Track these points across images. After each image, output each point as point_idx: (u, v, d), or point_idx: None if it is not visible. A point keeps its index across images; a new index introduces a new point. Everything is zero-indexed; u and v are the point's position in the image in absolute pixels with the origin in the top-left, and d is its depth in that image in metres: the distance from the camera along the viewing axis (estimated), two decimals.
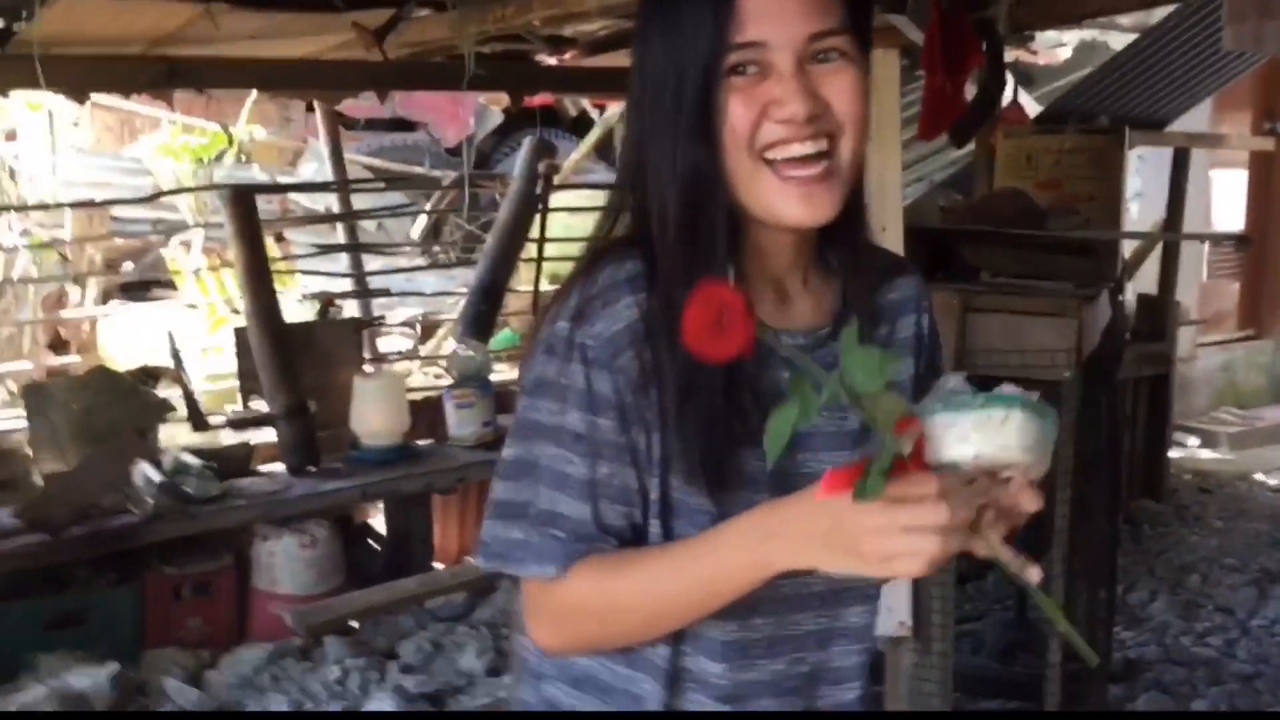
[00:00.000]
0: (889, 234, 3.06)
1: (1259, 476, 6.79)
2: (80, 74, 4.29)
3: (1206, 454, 7.22)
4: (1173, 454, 6.52)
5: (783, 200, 1.21)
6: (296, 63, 4.63)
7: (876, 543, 1.03)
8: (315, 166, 8.50)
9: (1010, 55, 5.39)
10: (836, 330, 1.28)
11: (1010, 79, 4.86)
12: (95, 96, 5.06)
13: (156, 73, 4.38)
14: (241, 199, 4.85)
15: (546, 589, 1.19)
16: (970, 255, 3.31)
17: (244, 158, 8.10)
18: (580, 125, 9.34)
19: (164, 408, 4.82)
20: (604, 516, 1.20)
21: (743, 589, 1.14)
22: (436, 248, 7.98)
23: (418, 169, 9.26)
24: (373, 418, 4.87)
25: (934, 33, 4.27)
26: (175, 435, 4.97)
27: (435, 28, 4.52)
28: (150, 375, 5.64)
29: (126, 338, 6.92)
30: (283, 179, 8.35)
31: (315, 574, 4.56)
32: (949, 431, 1.04)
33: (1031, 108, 6.92)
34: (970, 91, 4.59)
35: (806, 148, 1.20)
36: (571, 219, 6.63)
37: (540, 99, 7.38)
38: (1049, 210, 3.50)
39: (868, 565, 1.04)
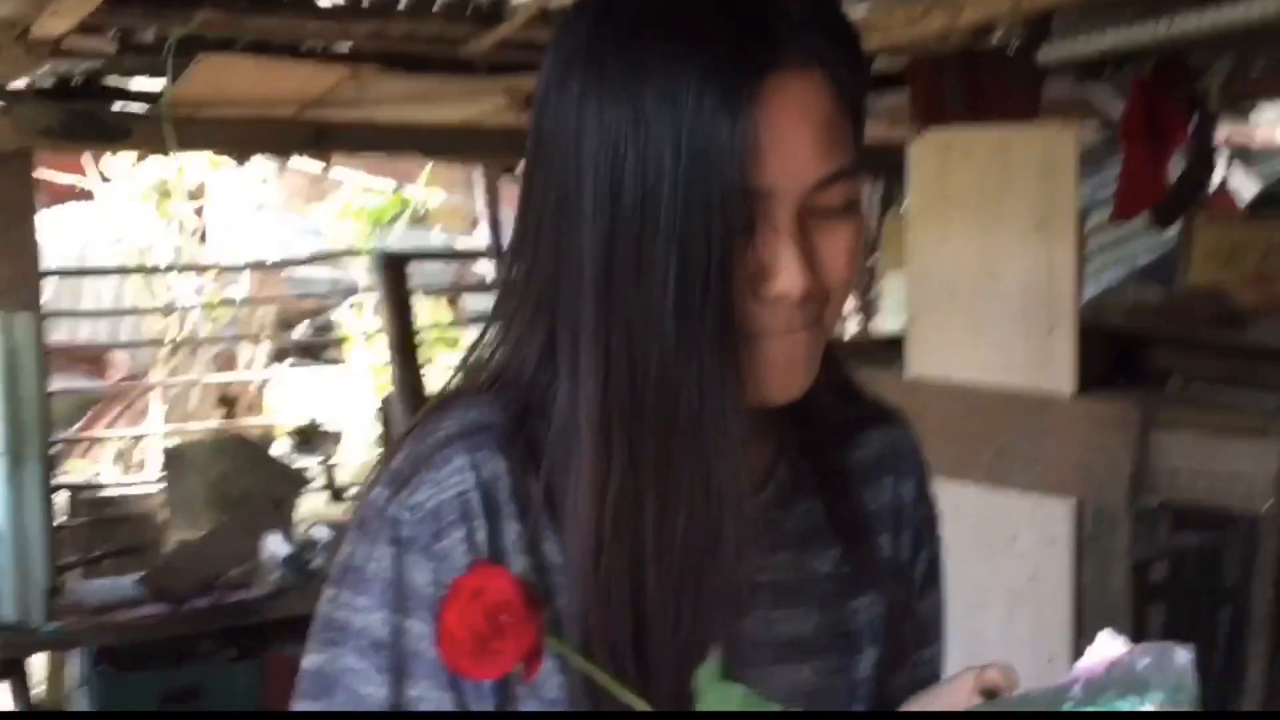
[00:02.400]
0: (1059, 334, 2.69)
1: None
2: (229, 135, 4.23)
3: None
4: None
5: (758, 377, 0.89)
6: (450, 128, 4.49)
7: None
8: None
9: (1223, 132, 4.91)
10: (779, 496, 0.99)
11: (1222, 158, 4.40)
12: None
13: (306, 135, 4.29)
14: (391, 265, 4.73)
15: None
16: (1157, 358, 2.89)
17: (422, 220, 8.08)
18: None
19: (300, 479, 4.69)
20: None
21: None
22: None
23: None
24: None
25: (1135, 104, 3.88)
26: (316, 506, 4.85)
27: None
28: (306, 438, 5.57)
29: (293, 399, 6.92)
30: (462, 242, 8.30)
31: None
32: None
33: (1247, 189, 6.35)
34: (1177, 168, 4.16)
35: (795, 328, 0.89)
36: None
37: None
38: (1253, 312, 3.06)
39: None
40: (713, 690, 0.72)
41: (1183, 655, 0.71)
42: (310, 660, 0.92)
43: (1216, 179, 4.72)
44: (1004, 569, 2.72)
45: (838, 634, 0.99)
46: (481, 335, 0.97)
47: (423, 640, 0.88)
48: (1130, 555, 2.68)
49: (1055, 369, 2.68)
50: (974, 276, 2.77)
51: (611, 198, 0.84)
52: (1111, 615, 2.74)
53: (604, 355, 0.86)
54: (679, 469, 0.85)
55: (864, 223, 0.93)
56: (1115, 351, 2.97)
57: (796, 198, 0.86)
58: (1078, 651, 2.85)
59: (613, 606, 0.86)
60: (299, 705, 0.93)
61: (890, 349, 3.11)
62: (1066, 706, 0.70)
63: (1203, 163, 4.14)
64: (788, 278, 0.85)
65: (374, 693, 0.89)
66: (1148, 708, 0.69)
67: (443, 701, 0.88)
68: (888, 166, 4.45)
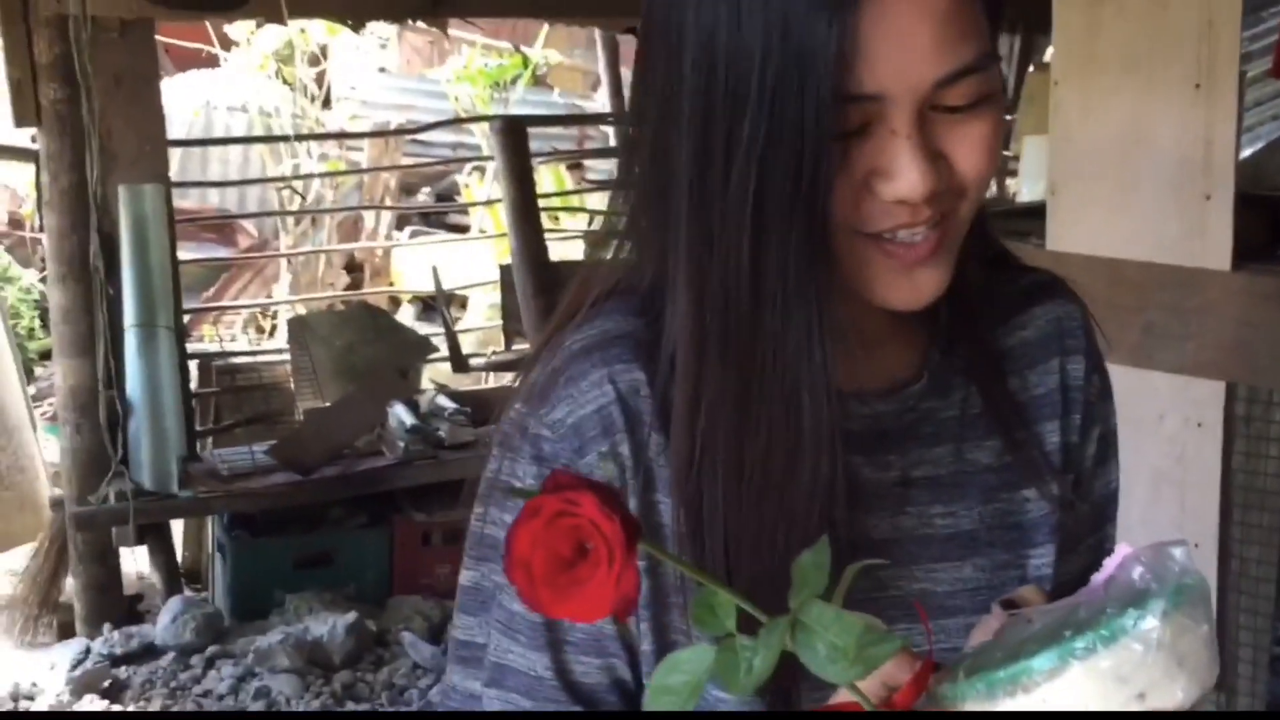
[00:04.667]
0: (1215, 203, 2.51)
1: None
2: (346, 1, 4.15)
3: None
4: None
5: (879, 281, 0.83)
6: None
7: None
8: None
9: None
10: (934, 385, 0.93)
11: None
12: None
13: (421, 0, 4.20)
14: (510, 131, 4.65)
15: None
16: None
17: (542, 81, 7.96)
18: None
19: (425, 347, 4.71)
20: (570, 671, 0.89)
21: None
22: None
23: None
24: None
25: None
26: (439, 375, 4.87)
27: None
28: (430, 306, 5.58)
29: (419, 264, 6.94)
30: (582, 105, 8.18)
31: None
32: (1075, 695, 0.65)
33: None
34: None
35: (918, 231, 0.81)
36: None
37: None
38: None
39: None
40: (814, 614, 0.64)
41: (1178, 553, 0.67)
42: (465, 576, 0.93)
43: None
44: (1149, 449, 2.60)
45: (1007, 527, 0.94)
46: (603, 234, 0.93)
47: None
48: None
49: (1211, 241, 2.51)
50: (1124, 142, 2.59)
51: (705, 98, 0.78)
52: (1261, 497, 2.62)
53: (695, 269, 0.81)
54: (764, 388, 0.81)
55: (1001, 112, 0.84)
56: (1273, 220, 2.78)
57: (914, 100, 0.78)
58: (1225, 536, 2.69)
59: (704, 522, 0.83)
60: (458, 619, 0.94)
61: (1028, 219, 2.96)
62: (1068, 633, 0.66)
63: None
64: (906, 183, 0.79)
65: (524, 608, 0.88)
66: (1150, 619, 0.64)
67: None
68: (1028, 17, 4.21)
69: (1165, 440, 2.58)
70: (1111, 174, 2.63)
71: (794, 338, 0.80)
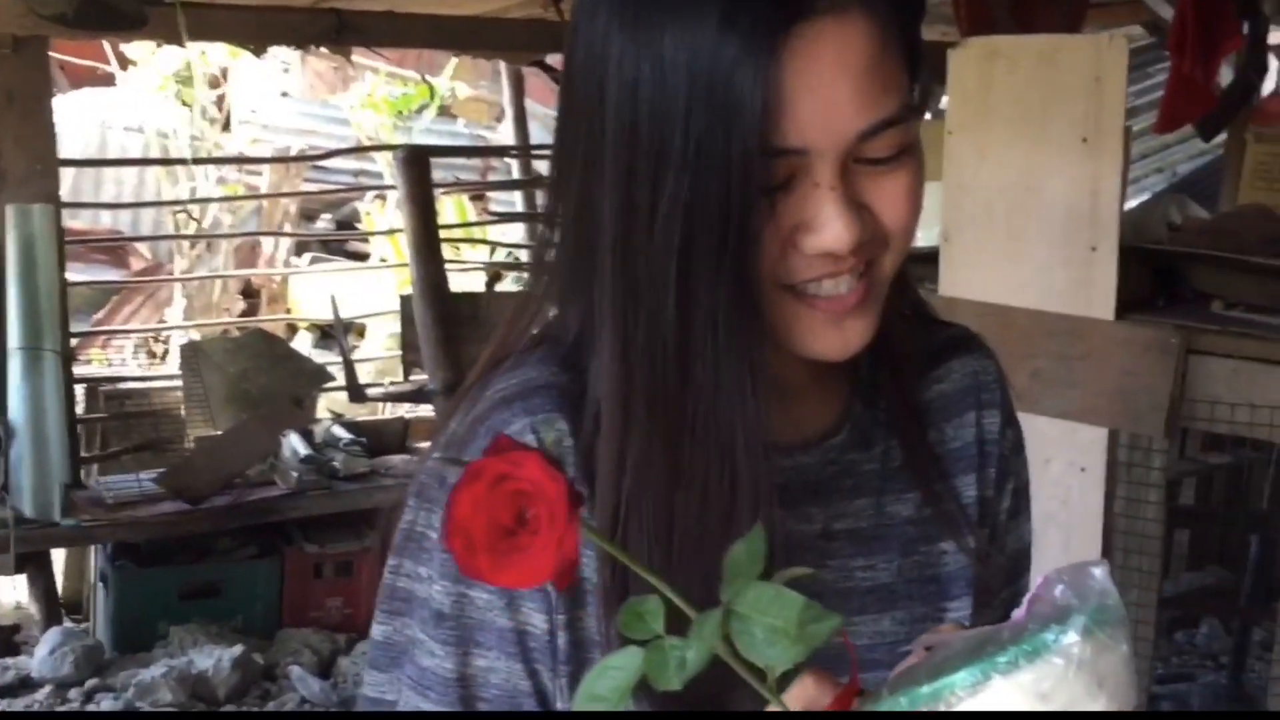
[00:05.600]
0: (1100, 255, 2.59)
1: None
2: (247, 26, 4.12)
3: None
4: None
5: (806, 333, 0.83)
6: (472, 20, 4.36)
7: None
8: (535, 125, 8.27)
9: (1277, 39, 4.73)
10: (855, 438, 0.93)
11: (1275, 67, 4.24)
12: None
13: (326, 25, 4.17)
14: (414, 160, 4.62)
15: None
16: (1200, 280, 2.79)
17: (447, 111, 7.94)
18: None
19: (322, 376, 4.65)
20: None
21: None
22: None
23: None
24: None
25: (1185, 8, 3.73)
26: (335, 404, 4.81)
27: None
28: (328, 334, 5.51)
29: (317, 291, 6.86)
30: (487, 137, 8.17)
31: None
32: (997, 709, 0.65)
33: None
34: (1224, 78, 4.01)
35: (843, 282, 0.82)
36: None
37: None
38: None
39: None
40: (747, 592, 0.63)
41: (1098, 571, 0.67)
42: (377, 630, 0.90)
43: (1268, 88, 4.55)
44: (1036, 493, 2.65)
45: (925, 580, 0.95)
46: (530, 284, 0.92)
47: (490, 609, 0.85)
48: (1164, 484, 2.61)
49: (1096, 291, 2.58)
50: (1014, 192, 2.66)
51: (629, 153, 0.77)
52: (1141, 541, 2.69)
53: (621, 322, 0.80)
54: (696, 443, 0.80)
55: (921, 162, 0.85)
56: (1155, 272, 2.87)
57: (838, 153, 0.78)
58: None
59: (631, 578, 0.80)
60: (368, 675, 0.91)
61: (920, 264, 3.01)
62: (991, 649, 0.65)
63: (1256, 71, 3.99)
64: (831, 234, 0.79)
65: (439, 665, 0.86)
66: (1071, 634, 0.64)
67: (511, 672, 0.85)
68: (925, 70, 4.31)
69: (1051, 484, 2.64)
70: (1003, 223, 2.70)
71: (726, 391, 0.79)
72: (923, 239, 4.58)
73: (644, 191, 0.77)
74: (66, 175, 4.57)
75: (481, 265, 5.78)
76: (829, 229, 0.78)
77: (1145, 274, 2.80)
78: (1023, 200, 2.66)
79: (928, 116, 5.88)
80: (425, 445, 0.93)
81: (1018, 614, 0.70)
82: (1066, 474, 2.64)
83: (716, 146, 0.75)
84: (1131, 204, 4.24)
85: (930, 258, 2.87)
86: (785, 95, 0.75)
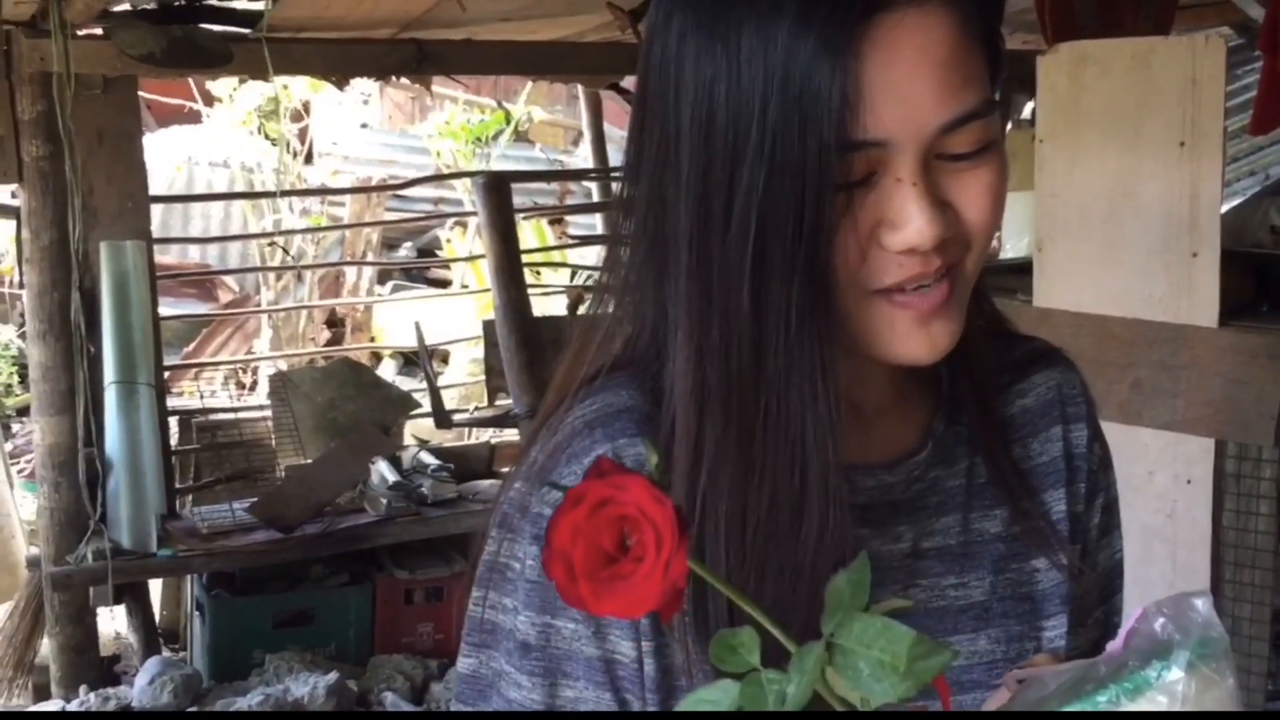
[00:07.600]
0: (1202, 261, 2.52)
1: None
2: (329, 58, 4.17)
3: None
4: None
5: (892, 336, 0.81)
6: (549, 45, 4.38)
7: None
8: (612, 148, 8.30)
9: None
10: (939, 455, 0.92)
11: None
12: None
13: (406, 56, 4.21)
14: (493, 186, 4.64)
15: None
16: None
17: (524, 136, 7.99)
18: None
19: (408, 403, 4.68)
20: None
21: None
22: None
23: None
24: None
25: (1277, 7, 3.64)
26: (421, 431, 4.83)
27: None
28: (411, 361, 5.55)
29: (401, 319, 6.92)
30: (564, 161, 8.20)
31: None
32: None
33: None
34: None
35: (927, 281, 0.80)
36: None
37: None
38: None
39: None
40: (851, 625, 0.61)
41: (1200, 604, 0.64)
42: (464, 663, 0.89)
43: None
44: (1139, 507, 2.59)
45: (1019, 598, 0.93)
46: (599, 297, 0.89)
47: (577, 639, 0.84)
48: (1275, 494, 2.53)
49: (1198, 297, 2.51)
50: (1109, 200, 2.60)
51: (705, 152, 0.77)
52: (1252, 555, 2.61)
53: (695, 321, 0.79)
54: (768, 439, 0.78)
55: (1005, 160, 0.83)
56: (1257, 276, 2.79)
57: (919, 146, 0.77)
58: (1217, 594, 2.67)
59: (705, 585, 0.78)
60: (456, 707, 0.91)
61: (1013, 275, 2.96)
62: (1090, 688, 0.63)
63: None
64: (914, 230, 0.77)
65: (526, 696, 0.85)
66: (1175, 670, 0.61)
67: (600, 701, 0.84)
68: (1006, 77, 4.25)
69: (1156, 497, 2.58)
70: (1098, 231, 2.64)
71: (797, 386, 0.78)
72: (1014, 249, 4.52)
73: (719, 187, 0.76)
74: (155, 211, 4.64)
75: (562, 289, 5.78)
76: (911, 224, 0.77)
77: (1247, 279, 2.73)
78: (1118, 207, 2.60)
79: (1009, 126, 5.80)
80: (507, 471, 0.91)
81: (1113, 645, 0.67)
82: (1172, 487, 2.58)
83: (793, 140, 0.74)
84: (1225, 208, 4.14)
85: (1023, 268, 2.82)
86: (865, 88, 0.74)
